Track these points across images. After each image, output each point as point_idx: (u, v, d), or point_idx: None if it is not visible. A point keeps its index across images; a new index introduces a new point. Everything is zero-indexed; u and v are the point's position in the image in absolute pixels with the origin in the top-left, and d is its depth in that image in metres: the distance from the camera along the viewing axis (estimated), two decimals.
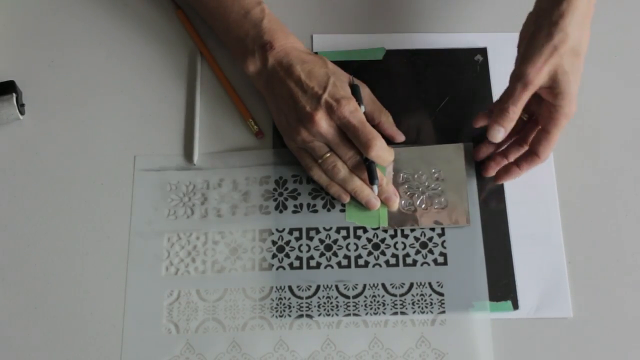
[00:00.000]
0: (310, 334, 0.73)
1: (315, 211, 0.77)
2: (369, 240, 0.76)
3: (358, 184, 0.75)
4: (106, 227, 0.77)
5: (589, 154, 0.79)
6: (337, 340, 0.72)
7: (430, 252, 0.75)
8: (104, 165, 0.80)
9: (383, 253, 0.75)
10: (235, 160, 0.80)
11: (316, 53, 0.80)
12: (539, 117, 0.74)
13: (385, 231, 0.76)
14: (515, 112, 0.71)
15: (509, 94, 0.70)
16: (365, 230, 0.76)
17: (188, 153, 0.80)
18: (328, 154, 0.75)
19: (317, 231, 0.76)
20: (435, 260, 0.75)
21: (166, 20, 0.87)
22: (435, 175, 0.78)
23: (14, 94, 0.81)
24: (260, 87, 0.78)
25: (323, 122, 0.73)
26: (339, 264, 0.75)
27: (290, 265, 0.75)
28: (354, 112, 0.73)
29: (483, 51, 0.83)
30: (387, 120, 0.79)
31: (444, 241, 0.76)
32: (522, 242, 0.75)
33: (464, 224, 0.76)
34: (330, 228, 0.76)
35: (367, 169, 0.74)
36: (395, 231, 0.76)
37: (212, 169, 0.79)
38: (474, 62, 0.83)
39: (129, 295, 0.74)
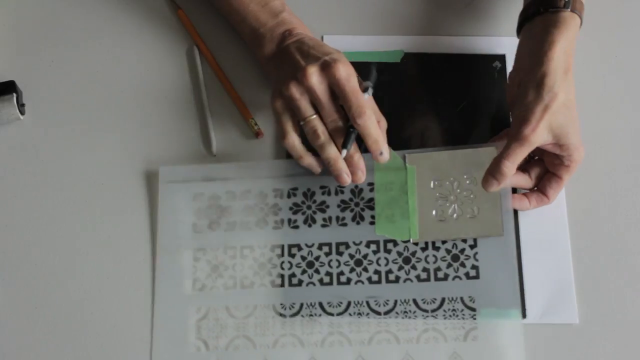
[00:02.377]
0: (342, 350, 0.72)
1: (345, 224, 0.76)
2: (400, 254, 0.75)
3: (333, 154, 0.73)
4: (106, 228, 0.77)
5: (595, 159, 0.79)
6: (368, 356, 0.72)
7: (462, 265, 0.74)
8: (104, 165, 0.80)
9: (414, 267, 0.74)
10: (262, 170, 0.78)
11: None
12: (549, 165, 0.74)
13: (416, 244, 0.75)
14: (509, 168, 0.71)
15: (505, 150, 0.71)
16: (395, 244, 0.75)
17: (208, 147, 0.80)
18: (313, 116, 0.72)
19: (347, 246, 0.75)
20: (467, 274, 0.74)
21: (166, 21, 0.86)
22: (467, 181, 0.76)
23: (14, 94, 0.81)
24: (270, 69, 0.78)
25: (314, 76, 0.71)
26: (369, 279, 0.74)
27: (321, 281, 0.74)
28: (349, 77, 0.71)
29: (502, 58, 0.83)
30: (383, 126, 0.76)
31: (476, 253, 0.74)
32: (531, 249, 0.75)
33: (497, 234, 0.74)
34: (360, 242, 0.75)
35: (345, 133, 0.72)
36: (427, 243, 0.75)
37: (237, 179, 0.78)
38: (492, 68, 0.82)
39: (155, 311, 0.74)
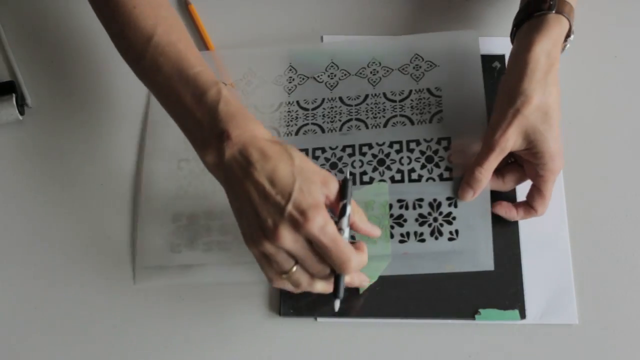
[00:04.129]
0: None
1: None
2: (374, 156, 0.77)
3: (324, 289, 0.67)
4: (106, 228, 0.77)
5: (595, 159, 0.79)
6: None
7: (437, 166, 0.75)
8: (104, 166, 0.80)
9: (389, 168, 0.76)
10: None
11: (280, 143, 0.66)
12: (529, 175, 0.74)
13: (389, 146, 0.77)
14: (482, 174, 0.71)
15: (477, 156, 0.72)
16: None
17: None
18: (294, 269, 0.64)
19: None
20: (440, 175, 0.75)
21: None
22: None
23: (14, 94, 0.81)
24: (220, 180, 0.66)
25: (287, 238, 0.61)
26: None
27: None
28: (323, 228, 0.61)
29: (501, 58, 0.82)
30: (360, 220, 0.67)
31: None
32: (530, 249, 0.75)
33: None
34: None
35: (334, 281, 0.65)
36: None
37: None
38: (491, 68, 0.82)
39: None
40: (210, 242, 0.75)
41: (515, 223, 0.76)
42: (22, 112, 0.82)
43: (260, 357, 0.72)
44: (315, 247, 0.63)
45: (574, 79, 0.81)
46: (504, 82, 0.73)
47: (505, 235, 0.75)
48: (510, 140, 0.70)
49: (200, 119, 0.66)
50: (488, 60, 0.82)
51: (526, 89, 0.69)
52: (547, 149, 0.70)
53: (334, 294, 0.65)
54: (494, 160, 0.71)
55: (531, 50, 0.70)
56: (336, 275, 0.65)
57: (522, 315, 0.72)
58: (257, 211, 0.62)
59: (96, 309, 0.74)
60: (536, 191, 0.73)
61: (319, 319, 0.73)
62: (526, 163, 0.73)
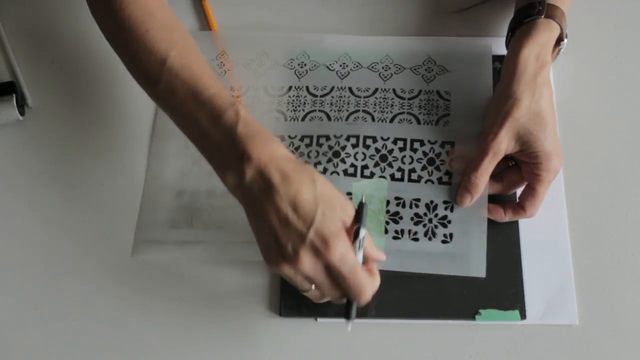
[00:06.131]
0: None
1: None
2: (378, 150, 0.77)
3: (341, 298, 0.67)
4: (106, 228, 0.77)
5: (596, 159, 0.79)
6: None
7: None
8: (104, 166, 0.80)
9: (390, 165, 0.76)
10: None
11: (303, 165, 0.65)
12: (525, 175, 0.74)
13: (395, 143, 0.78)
14: (477, 178, 0.72)
15: (473, 162, 0.73)
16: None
17: None
18: (312, 289, 0.66)
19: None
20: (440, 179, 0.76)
21: (185, 13, 0.87)
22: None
23: (14, 95, 0.81)
24: (241, 201, 0.66)
25: (308, 264, 0.62)
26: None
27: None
28: (344, 257, 0.62)
29: (501, 59, 0.81)
30: (369, 245, 0.67)
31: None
32: (530, 249, 0.75)
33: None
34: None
35: (346, 305, 0.66)
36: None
37: None
38: (492, 69, 0.82)
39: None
40: (210, 220, 0.76)
41: (516, 223, 0.76)
42: (22, 113, 0.82)
43: (260, 357, 0.72)
44: (333, 274, 0.63)
45: (574, 79, 0.81)
46: (496, 87, 0.74)
47: (505, 236, 0.75)
48: (503, 144, 0.71)
49: (218, 141, 0.65)
50: (494, 59, 0.83)
51: (515, 92, 0.70)
52: (540, 149, 0.70)
53: (346, 315, 0.66)
54: (488, 164, 0.72)
55: (520, 54, 0.71)
56: (348, 301, 0.66)
57: (523, 316, 0.72)
58: (277, 236, 0.62)
59: (96, 308, 0.74)
60: (529, 191, 0.73)
61: (319, 319, 0.73)
62: (523, 164, 0.74)
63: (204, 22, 0.87)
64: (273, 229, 0.62)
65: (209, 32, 0.86)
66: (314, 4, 0.88)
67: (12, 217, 0.78)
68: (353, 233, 0.64)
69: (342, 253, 0.62)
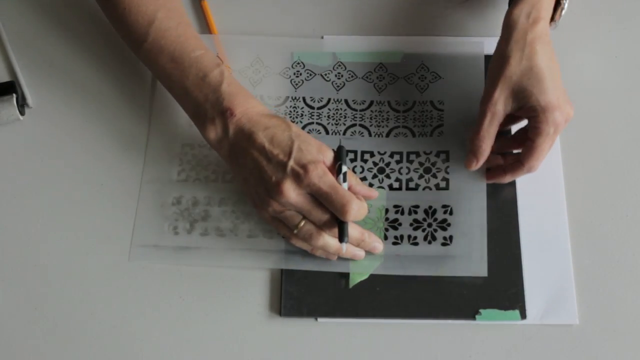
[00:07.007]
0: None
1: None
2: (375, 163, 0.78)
3: (337, 247, 0.71)
4: (106, 228, 0.77)
5: (596, 159, 0.79)
6: None
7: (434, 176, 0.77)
8: (104, 166, 0.80)
9: (388, 176, 0.77)
10: None
11: (279, 116, 0.73)
12: (529, 134, 0.73)
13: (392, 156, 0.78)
14: (480, 140, 0.73)
15: (475, 126, 0.73)
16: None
17: None
18: (302, 223, 0.70)
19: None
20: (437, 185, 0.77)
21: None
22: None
23: (14, 94, 0.81)
24: (224, 155, 0.73)
25: (291, 192, 0.68)
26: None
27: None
28: (322, 177, 0.68)
29: None
30: (357, 182, 0.73)
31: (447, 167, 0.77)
32: (530, 249, 0.75)
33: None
34: None
35: (338, 227, 0.69)
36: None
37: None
38: (484, 71, 0.82)
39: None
40: (208, 227, 0.76)
41: (516, 223, 0.76)
42: (22, 112, 0.82)
43: (260, 357, 0.72)
44: (317, 197, 0.68)
45: (574, 79, 0.81)
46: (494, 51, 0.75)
47: (506, 235, 0.75)
48: (499, 104, 0.71)
49: (203, 98, 0.72)
50: (489, 60, 0.82)
51: (504, 51, 0.71)
52: (537, 103, 0.70)
53: (340, 238, 0.69)
54: (489, 126, 0.72)
55: (510, 15, 0.72)
56: (340, 222, 0.69)
57: (523, 316, 0.72)
58: (262, 172, 0.69)
59: (96, 308, 0.74)
60: (529, 143, 0.72)
61: (319, 319, 0.73)
62: (529, 123, 0.73)
63: (204, 24, 0.87)
64: (258, 165, 0.69)
65: (208, 35, 0.86)
66: (308, 6, 0.88)
67: (11, 217, 0.78)
68: (336, 170, 0.70)
69: (320, 174, 0.68)
